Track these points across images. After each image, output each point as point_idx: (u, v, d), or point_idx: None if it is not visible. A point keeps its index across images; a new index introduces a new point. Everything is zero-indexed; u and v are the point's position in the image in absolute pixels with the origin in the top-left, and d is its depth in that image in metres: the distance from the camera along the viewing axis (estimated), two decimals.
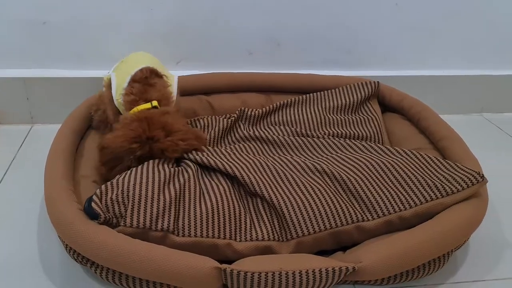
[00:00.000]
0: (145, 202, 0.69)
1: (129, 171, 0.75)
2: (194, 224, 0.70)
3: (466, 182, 0.75)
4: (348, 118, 1.06)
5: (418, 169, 0.79)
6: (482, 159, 0.87)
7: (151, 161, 0.78)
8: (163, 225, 0.68)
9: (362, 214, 0.73)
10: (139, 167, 0.76)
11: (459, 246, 0.75)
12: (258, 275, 0.61)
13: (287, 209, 0.73)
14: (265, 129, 1.02)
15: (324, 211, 0.73)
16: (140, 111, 0.82)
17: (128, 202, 0.69)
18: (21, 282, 0.70)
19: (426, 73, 1.33)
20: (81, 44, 1.14)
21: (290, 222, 0.72)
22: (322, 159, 0.86)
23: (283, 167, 0.83)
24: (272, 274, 0.61)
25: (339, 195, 0.76)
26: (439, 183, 0.76)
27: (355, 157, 0.84)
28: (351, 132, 1.02)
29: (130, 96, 0.85)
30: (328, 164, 0.82)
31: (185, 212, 0.71)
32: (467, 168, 0.79)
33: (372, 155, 0.86)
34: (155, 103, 0.84)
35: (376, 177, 0.78)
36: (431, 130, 1.00)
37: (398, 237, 0.69)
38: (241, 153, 0.89)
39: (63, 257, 0.74)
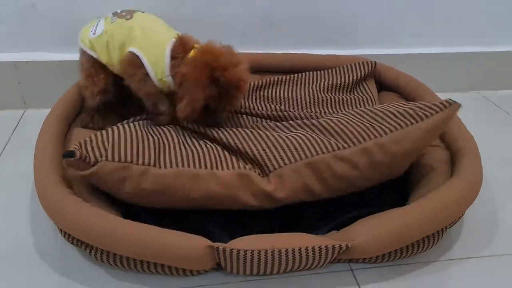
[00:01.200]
0: (124, 142, 0.72)
1: (110, 129, 0.77)
2: (175, 159, 0.72)
3: (439, 107, 0.75)
4: (342, 97, 1.05)
5: (390, 107, 0.79)
6: (479, 137, 0.86)
7: (131, 123, 0.81)
8: (144, 159, 0.70)
9: (337, 143, 0.74)
10: (120, 126, 0.78)
11: (453, 222, 0.75)
12: (251, 253, 0.61)
13: (263, 151, 0.74)
14: (254, 104, 1.00)
15: (299, 145, 0.74)
16: (195, 53, 0.81)
17: (109, 145, 0.71)
18: (17, 269, 0.70)
19: (422, 51, 1.32)
20: (72, 26, 1.11)
21: (266, 158, 0.73)
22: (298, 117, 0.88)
23: (260, 128, 0.84)
24: (265, 252, 0.61)
25: (314, 133, 0.77)
26: (412, 111, 0.75)
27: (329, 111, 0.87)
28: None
29: (178, 58, 0.82)
30: (304, 118, 0.85)
31: (166, 151, 0.74)
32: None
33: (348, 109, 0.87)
34: (197, 46, 0.83)
35: (351, 116, 0.79)
36: None
37: (392, 214, 0.69)
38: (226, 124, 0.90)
39: (58, 241, 0.74)
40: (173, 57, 0.83)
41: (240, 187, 0.70)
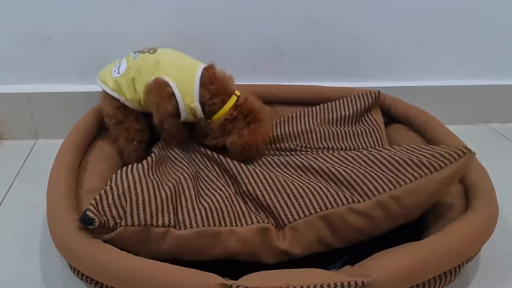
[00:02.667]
0: (143, 201, 0.70)
1: (119, 177, 0.75)
2: (195, 217, 0.70)
3: (453, 156, 0.74)
4: (348, 130, 1.05)
5: (403, 154, 0.79)
6: (490, 169, 0.85)
7: (140, 166, 0.79)
8: (164, 220, 0.68)
9: (352, 196, 0.73)
10: (130, 171, 0.77)
11: (470, 258, 0.73)
12: None
13: (277, 202, 0.74)
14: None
15: (313, 197, 0.74)
16: (234, 105, 0.87)
17: (126, 203, 0.69)
18: None
19: (431, 83, 1.32)
20: (85, 58, 1.15)
21: (281, 210, 0.73)
22: (309, 158, 0.86)
23: (274, 169, 0.85)
24: None
25: (327, 183, 0.77)
26: (426, 160, 0.74)
27: (340, 154, 0.85)
28: (352, 145, 1.01)
29: (217, 98, 0.87)
30: (315, 161, 0.84)
31: (183, 208, 0.72)
32: (452, 147, 0.78)
33: (358, 151, 0.86)
34: (238, 93, 0.89)
35: (364, 166, 0.79)
36: (438, 140, 0.99)
37: (408, 249, 0.67)
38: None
39: (67, 276, 0.73)
40: (202, 85, 0.86)
41: (259, 243, 0.70)
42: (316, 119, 1.08)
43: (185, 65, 0.90)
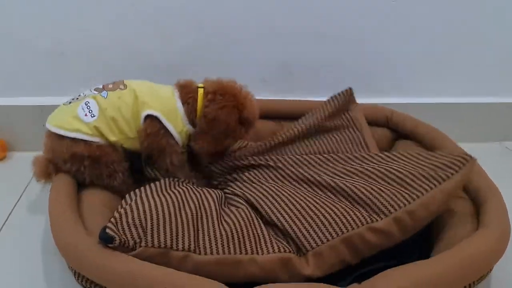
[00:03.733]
0: (163, 222, 0.69)
1: (140, 195, 0.75)
2: (215, 242, 0.69)
3: (457, 165, 0.79)
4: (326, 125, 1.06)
5: (409, 166, 0.81)
6: (504, 189, 0.83)
7: (159, 185, 0.80)
8: (184, 244, 0.67)
9: (370, 216, 0.73)
10: (149, 191, 0.77)
11: (481, 278, 0.71)
12: None
13: (297, 227, 0.74)
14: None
15: (333, 220, 0.73)
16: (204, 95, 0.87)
17: (147, 224, 0.68)
18: None
19: (443, 100, 1.32)
20: (97, 72, 1.17)
21: (302, 237, 0.72)
22: (320, 172, 0.86)
23: (288, 190, 0.83)
24: None
25: (343, 202, 0.77)
26: (433, 172, 0.78)
27: (350, 168, 0.85)
28: (331, 146, 1.03)
29: (189, 104, 0.87)
30: (325, 175, 0.84)
31: (205, 232, 0.71)
32: (451, 154, 0.82)
33: (363, 163, 0.87)
34: (201, 85, 0.89)
35: (375, 181, 0.80)
36: None
37: (416, 267, 0.66)
38: (255, 179, 0.89)
39: (70, 281, 0.72)
40: (184, 104, 0.87)
41: (281, 271, 0.70)
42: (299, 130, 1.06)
43: (161, 91, 0.88)
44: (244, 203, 0.81)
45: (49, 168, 0.85)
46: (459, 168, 0.78)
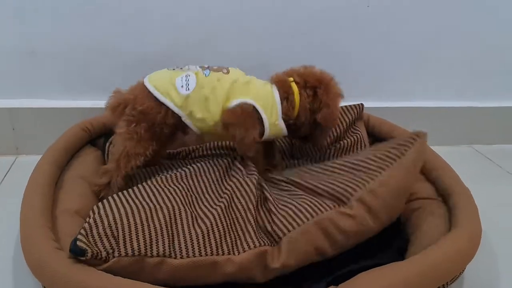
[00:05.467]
0: (135, 230, 0.67)
1: (110, 204, 0.72)
2: (191, 245, 0.68)
3: (409, 141, 0.83)
4: (336, 145, 1.06)
5: (370, 152, 0.84)
6: (474, 191, 0.85)
7: (132, 191, 0.77)
8: (159, 249, 0.66)
9: (337, 202, 0.76)
10: (120, 199, 0.74)
11: (454, 278, 0.73)
12: None
13: (271, 219, 0.75)
14: None
15: (304, 208, 0.75)
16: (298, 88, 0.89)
17: (118, 234, 0.66)
18: None
19: (415, 104, 1.34)
20: (69, 73, 1.14)
21: (275, 226, 0.73)
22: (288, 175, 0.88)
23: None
24: None
25: (314, 198, 0.79)
26: (387, 152, 0.82)
27: (311, 169, 0.88)
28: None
29: (288, 99, 0.88)
30: (295, 177, 0.86)
31: (180, 234, 0.69)
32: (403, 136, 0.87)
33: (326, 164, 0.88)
34: (291, 79, 0.90)
35: (337, 175, 0.82)
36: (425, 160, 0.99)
37: (391, 268, 0.67)
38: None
39: None
40: (283, 100, 0.88)
41: (256, 267, 0.70)
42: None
43: (260, 85, 0.90)
44: (228, 197, 0.80)
45: (120, 108, 0.85)
46: (411, 144, 0.82)
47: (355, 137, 1.07)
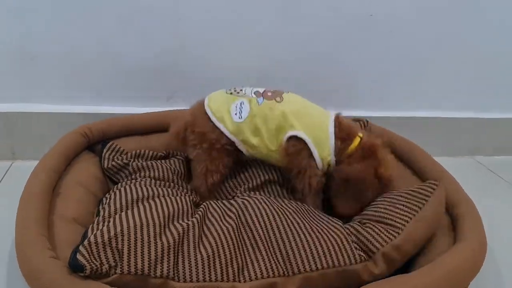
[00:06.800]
0: (141, 246, 0.64)
1: (120, 216, 0.70)
2: (196, 269, 0.65)
3: (428, 190, 0.79)
4: None
5: (388, 203, 0.80)
6: (477, 202, 0.84)
7: (147, 203, 0.75)
8: (163, 271, 0.63)
9: (364, 252, 0.72)
10: (135, 210, 0.72)
11: None
12: None
13: (295, 243, 0.71)
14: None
15: (333, 248, 0.71)
16: (358, 145, 0.85)
17: (124, 247, 0.63)
18: None
19: (417, 114, 1.34)
20: (68, 78, 1.12)
21: (298, 255, 0.70)
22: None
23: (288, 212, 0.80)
24: None
25: (344, 235, 0.74)
26: (408, 204, 0.77)
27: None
28: None
29: (344, 142, 0.86)
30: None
31: (185, 256, 0.67)
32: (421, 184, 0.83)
33: None
34: (361, 134, 0.87)
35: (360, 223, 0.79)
36: (425, 171, 0.99)
37: (395, 282, 0.65)
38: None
39: None
40: (337, 137, 0.85)
41: None
42: None
43: (314, 115, 0.88)
44: (234, 217, 0.77)
45: (182, 133, 0.92)
46: (431, 193, 0.79)
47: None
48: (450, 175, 0.95)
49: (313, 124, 0.86)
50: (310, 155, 0.85)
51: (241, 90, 0.92)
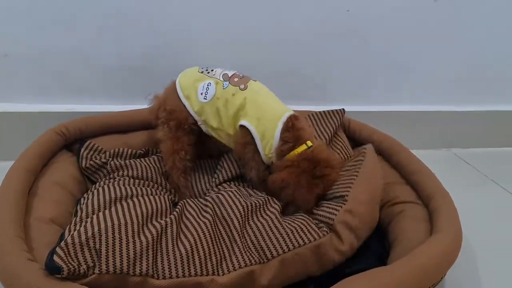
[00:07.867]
0: (120, 245, 0.64)
1: (98, 216, 0.69)
2: (175, 265, 0.66)
3: (360, 155, 0.90)
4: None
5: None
6: (454, 194, 0.86)
7: (125, 203, 0.75)
8: (142, 268, 0.63)
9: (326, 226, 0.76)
10: (113, 209, 0.72)
11: (435, 283, 0.72)
12: None
13: (269, 230, 0.73)
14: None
15: (301, 229, 0.73)
16: (300, 153, 0.82)
17: (102, 247, 0.63)
18: None
19: (395, 108, 1.36)
20: (46, 77, 1.10)
21: (270, 241, 0.71)
22: None
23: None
24: None
25: (309, 219, 0.77)
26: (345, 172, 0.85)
27: None
28: None
29: (287, 144, 0.83)
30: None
31: (163, 253, 0.67)
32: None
33: None
34: (309, 143, 0.83)
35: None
36: (402, 164, 1.00)
37: (373, 275, 0.66)
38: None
39: None
40: (282, 138, 0.84)
41: (241, 286, 0.68)
42: None
43: (270, 109, 0.87)
44: (211, 212, 0.78)
45: (155, 110, 0.94)
46: (363, 157, 0.87)
47: (339, 147, 1.07)
48: (427, 168, 0.97)
49: (265, 117, 0.86)
50: (256, 148, 0.86)
51: (212, 70, 0.93)
